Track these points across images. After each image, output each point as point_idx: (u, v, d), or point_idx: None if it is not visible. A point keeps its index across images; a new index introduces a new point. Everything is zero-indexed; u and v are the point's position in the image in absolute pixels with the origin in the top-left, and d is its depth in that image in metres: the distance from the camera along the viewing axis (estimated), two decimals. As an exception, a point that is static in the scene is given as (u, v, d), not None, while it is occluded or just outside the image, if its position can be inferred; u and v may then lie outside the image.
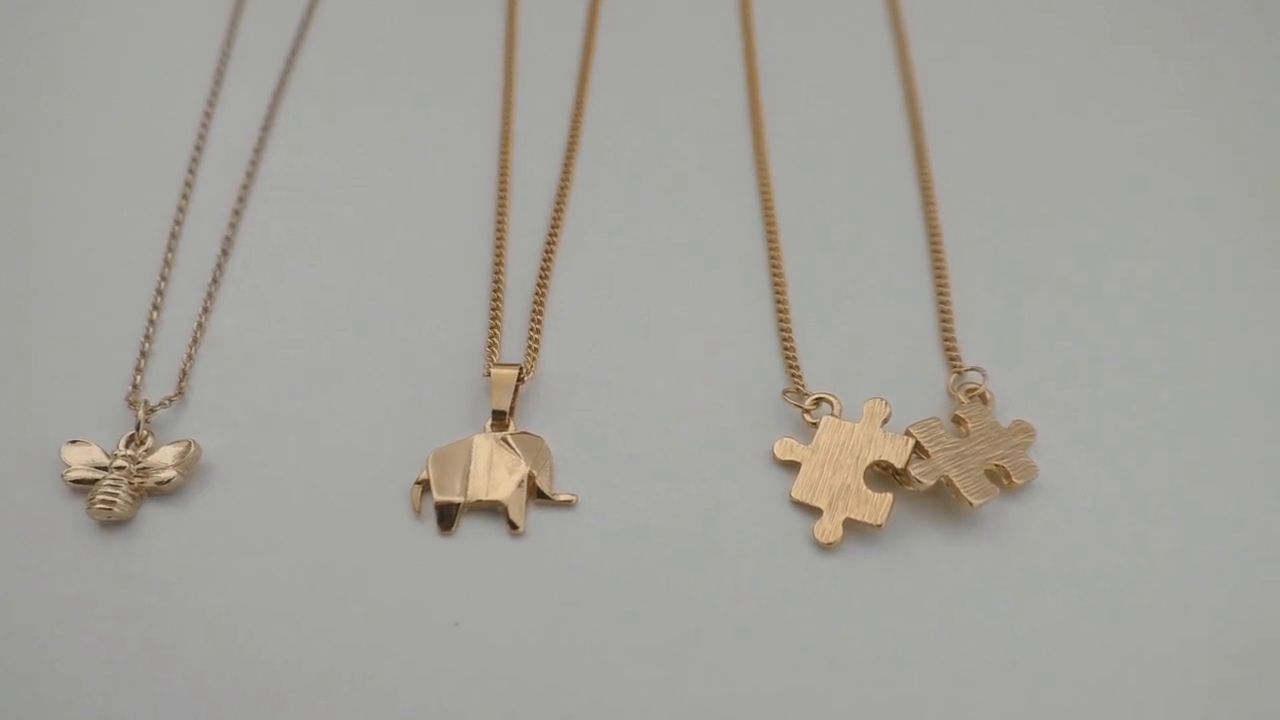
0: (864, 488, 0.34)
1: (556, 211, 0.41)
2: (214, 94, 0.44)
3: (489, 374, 0.36)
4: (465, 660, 0.32)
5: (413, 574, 0.33)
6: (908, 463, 0.34)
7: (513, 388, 0.36)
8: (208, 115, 0.44)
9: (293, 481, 0.35)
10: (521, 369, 0.36)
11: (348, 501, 0.34)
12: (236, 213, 0.41)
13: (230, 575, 0.33)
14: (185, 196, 0.41)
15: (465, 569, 0.33)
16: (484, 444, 0.35)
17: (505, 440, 0.35)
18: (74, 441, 0.34)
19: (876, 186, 0.43)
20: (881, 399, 0.35)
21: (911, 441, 0.34)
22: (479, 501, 0.34)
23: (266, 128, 0.44)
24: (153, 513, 0.34)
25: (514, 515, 0.34)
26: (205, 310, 0.38)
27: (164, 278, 0.39)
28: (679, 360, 0.37)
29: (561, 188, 0.42)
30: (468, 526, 0.34)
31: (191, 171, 0.42)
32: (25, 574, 0.33)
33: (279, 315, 0.38)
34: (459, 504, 0.34)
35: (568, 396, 0.37)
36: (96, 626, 0.32)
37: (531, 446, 0.35)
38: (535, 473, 0.34)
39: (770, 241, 0.41)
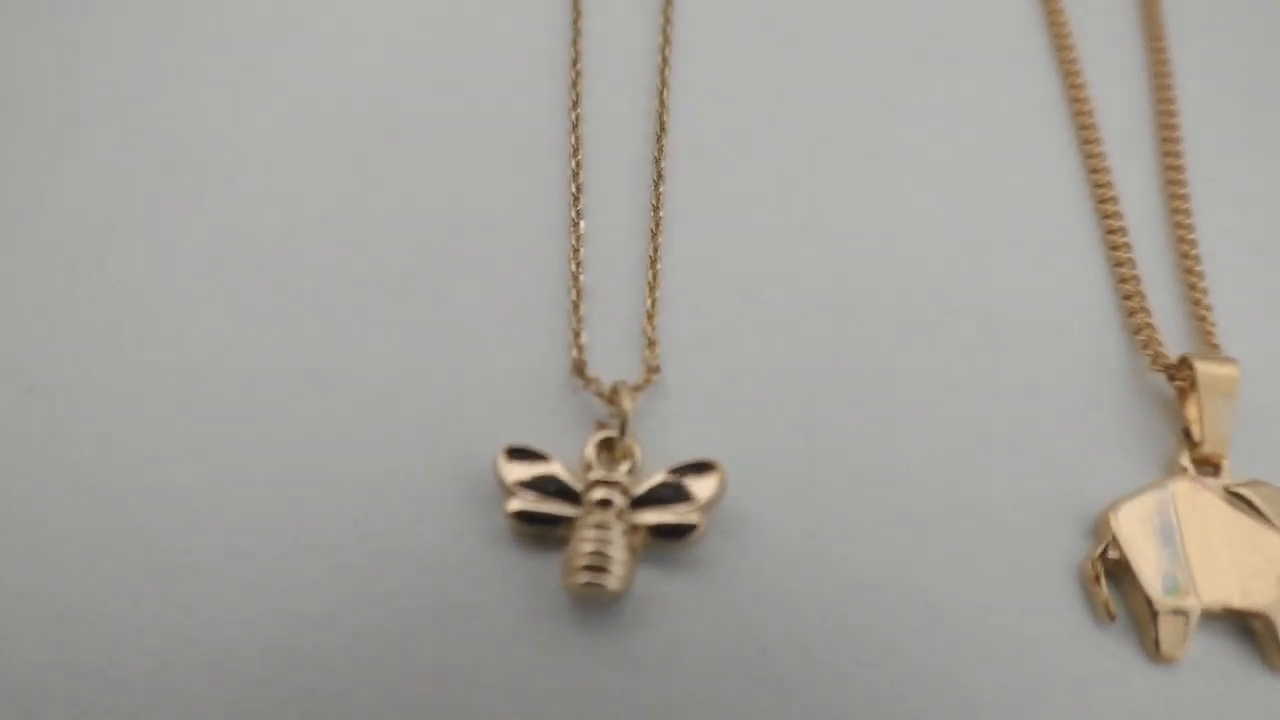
0: None
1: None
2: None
3: (1176, 372, 0.22)
4: None
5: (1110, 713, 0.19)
6: None
7: (1232, 401, 0.21)
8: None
9: (850, 518, 0.21)
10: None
11: (958, 568, 0.21)
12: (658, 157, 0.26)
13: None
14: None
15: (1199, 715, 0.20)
16: (1197, 499, 0.21)
17: (1240, 497, 0.21)
18: (513, 450, 0.20)
19: None
20: None
21: None
22: (1226, 609, 0.20)
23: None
24: (649, 578, 0.20)
25: (1287, 636, 0.20)
26: (653, 263, 0.24)
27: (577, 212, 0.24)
28: None
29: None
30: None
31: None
32: (480, 660, 0.19)
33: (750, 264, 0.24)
34: (1192, 610, 0.20)
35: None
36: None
37: (1282, 508, 0.21)
38: (1312, 563, 0.20)
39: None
